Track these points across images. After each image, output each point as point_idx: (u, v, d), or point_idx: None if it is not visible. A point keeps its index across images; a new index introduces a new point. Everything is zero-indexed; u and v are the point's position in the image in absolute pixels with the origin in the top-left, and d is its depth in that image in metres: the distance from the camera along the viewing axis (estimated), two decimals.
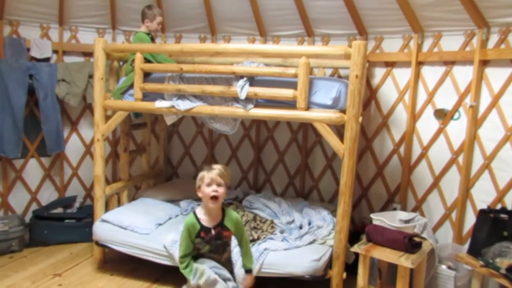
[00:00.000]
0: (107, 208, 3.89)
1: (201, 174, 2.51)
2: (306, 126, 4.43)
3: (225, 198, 2.58)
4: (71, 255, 4.07)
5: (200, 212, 2.53)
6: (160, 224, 3.69)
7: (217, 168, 2.52)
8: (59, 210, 4.42)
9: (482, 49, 3.35)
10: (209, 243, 2.52)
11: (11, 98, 4.06)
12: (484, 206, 3.23)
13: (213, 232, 2.54)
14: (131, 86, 3.62)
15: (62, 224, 4.30)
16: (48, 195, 4.60)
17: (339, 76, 4.23)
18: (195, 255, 2.59)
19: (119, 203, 4.12)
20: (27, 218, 4.39)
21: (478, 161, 3.46)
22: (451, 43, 3.59)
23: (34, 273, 3.67)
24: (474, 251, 2.99)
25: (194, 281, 2.44)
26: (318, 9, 4.03)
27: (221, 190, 2.49)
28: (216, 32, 4.61)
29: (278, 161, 4.67)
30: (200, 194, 2.52)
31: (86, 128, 4.68)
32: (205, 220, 2.47)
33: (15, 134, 4.12)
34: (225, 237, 2.61)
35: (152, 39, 3.92)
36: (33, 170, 4.50)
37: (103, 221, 3.67)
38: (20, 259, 3.96)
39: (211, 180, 2.46)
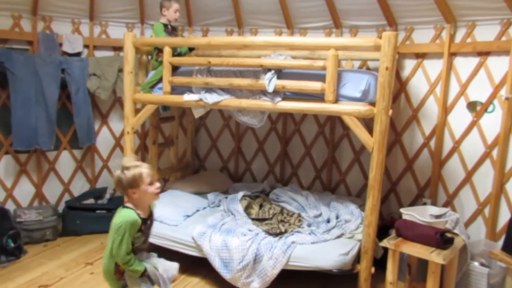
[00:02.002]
0: None
1: (135, 172, 2.25)
2: (333, 119, 4.39)
3: None
4: (102, 244, 4.18)
5: (134, 207, 2.31)
6: (188, 216, 3.75)
7: (140, 162, 2.36)
8: (91, 200, 4.54)
9: None
10: (144, 234, 2.40)
11: (45, 92, 4.18)
12: None
13: (148, 222, 2.42)
14: (160, 80, 3.67)
15: (94, 215, 4.42)
16: (80, 186, 4.74)
17: (368, 68, 4.16)
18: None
19: None
20: (60, 208, 4.53)
21: None
22: (486, 33, 3.47)
23: (67, 262, 3.80)
24: (509, 248, 2.90)
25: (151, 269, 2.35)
26: (346, 0, 3.97)
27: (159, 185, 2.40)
28: (243, 25, 4.60)
29: (305, 155, 4.65)
30: (135, 195, 2.27)
31: (116, 121, 4.78)
32: (142, 214, 2.32)
33: (49, 127, 4.25)
34: (151, 224, 2.49)
35: (174, 29, 3.95)
36: (65, 162, 4.64)
37: None
38: (54, 247, 4.10)
39: (152, 178, 2.31)
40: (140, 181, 2.25)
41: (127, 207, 2.29)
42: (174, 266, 2.51)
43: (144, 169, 2.28)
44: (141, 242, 2.38)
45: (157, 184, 2.34)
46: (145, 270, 2.32)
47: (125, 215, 2.24)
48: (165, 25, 3.86)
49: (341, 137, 4.44)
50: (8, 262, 3.70)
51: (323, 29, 4.33)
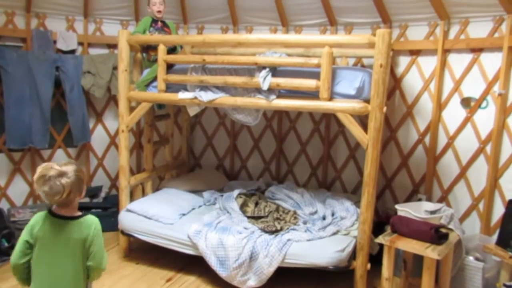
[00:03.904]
0: (131, 198, 3.96)
1: (77, 175, 1.96)
2: (329, 117, 4.40)
3: None
4: None
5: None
6: (183, 214, 3.74)
7: (65, 162, 2.04)
8: (86, 199, 4.52)
9: None
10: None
11: (38, 90, 4.16)
12: None
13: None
14: (154, 78, 3.66)
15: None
16: None
17: (363, 66, 4.17)
18: None
19: (144, 193, 4.18)
20: None
21: (506, 150, 3.38)
22: (479, 29, 3.49)
23: None
24: (503, 242, 2.93)
25: None
26: None
27: None
28: (238, 22, 4.60)
29: (300, 152, 4.66)
30: (80, 196, 2.03)
31: (111, 120, 4.76)
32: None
33: (43, 125, 4.22)
34: None
35: (166, 25, 3.94)
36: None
37: (128, 211, 3.74)
38: None
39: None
40: (84, 181, 2.03)
41: (82, 215, 2.03)
42: None
43: (76, 167, 1.99)
44: None
45: None
46: None
47: (94, 220, 2.05)
48: (154, 20, 3.85)
49: (336, 134, 4.45)
50: (2, 262, 3.68)
51: (318, 27, 4.33)
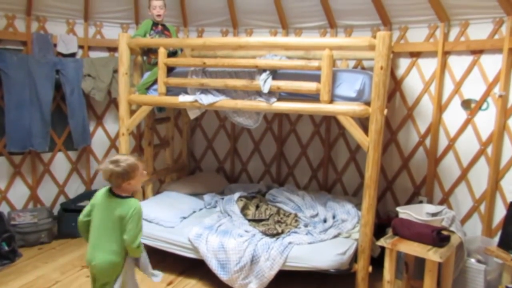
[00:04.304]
0: None
1: (132, 163, 2.37)
2: (329, 119, 4.39)
3: None
4: None
5: (134, 196, 2.50)
6: (184, 218, 3.73)
7: (126, 154, 2.61)
8: (86, 202, 4.46)
9: None
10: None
11: (39, 93, 4.16)
12: None
13: None
14: (155, 81, 3.66)
15: None
16: (75, 188, 4.71)
17: (363, 68, 4.17)
18: None
19: (144, 197, 4.18)
20: (55, 211, 4.50)
21: (507, 152, 3.37)
22: (479, 31, 3.49)
23: (63, 264, 3.78)
24: (505, 244, 2.92)
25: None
26: (341, 0, 3.98)
27: None
28: (238, 25, 4.60)
29: (301, 154, 4.65)
30: (129, 185, 2.38)
31: (111, 123, 4.76)
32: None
33: (43, 128, 4.22)
34: None
35: (166, 28, 3.94)
36: (60, 163, 4.61)
37: None
38: (49, 250, 4.07)
39: (143, 168, 2.48)
40: (137, 169, 2.39)
41: (128, 197, 2.41)
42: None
43: (135, 159, 2.41)
44: None
45: (145, 172, 2.53)
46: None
47: (138, 205, 2.38)
48: (154, 24, 3.85)
49: (337, 137, 4.45)
50: (3, 266, 3.67)
51: (318, 29, 4.34)
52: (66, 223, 4.33)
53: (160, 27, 3.89)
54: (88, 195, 4.60)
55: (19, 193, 4.37)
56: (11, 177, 4.32)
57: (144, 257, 2.55)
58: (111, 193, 2.41)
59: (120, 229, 2.34)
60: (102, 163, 2.40)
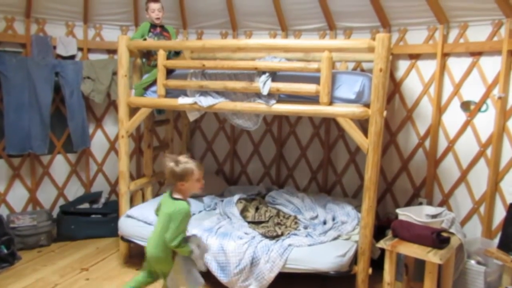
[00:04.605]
0: (131, 203, 3.94)
1: (187, 167, 2.57)
2: (329, 121, 4.39)
3: None
4: (98, 249, 4.15)
5: (184, 198, 2.64)
6: None
7: (191, 160, 2.66)
8: (85, 205, 4.51)
9: (511, 39, 3.26)
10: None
11: (38, 95, 4.15)
12: None
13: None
14: (154, 82, 3.66)
15: (89, 219, 4.39)
16: (74, 190, 4.71)
17: (362, 70, 4.18)
18: None
19: (144, 199, 4.18)
20: (55, 213, 4.49)
21: (507, 153, 3.38)
22: (478, 33, 3.50)
23: (62, 267, 3.77)
24: (505, 246, 2.92)
25: (197, 250, 2.65)
26: (340, 2, 3.99)
27: None
28: (237, 27, 4.60)
29: (301, 156, 4.65)
30: (183, 186, 2.59)
31: (111, 125, 4.76)
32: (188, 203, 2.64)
33: (42, 131, 4.22)
34: None
35: (165, 30, 3.94)
36: (59, 166, 4.61)
37: (128, 216, 3.72)
38: (49, 253, 4.07)
39: (200, 175, 2.63)
40: (191, 176, 2.57)
41: (179, 199, 2.59)
42: (203, 242, 2.90)
43: (194, 166, 2.59)
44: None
45: (202, 181, 2.68)
46: (191, 251, 2.61)
47: (182, 206, 2.55)
48: (152, 26, 3.86)
49: (336, 138, 4.45)
50: (1, 268, 3.66)
51: (317, 31, 4.34)
52: (65, 225, 4.32)
53: (158, 29, 3.89)
54: (87, 197, 4.61)
55: (18, 195, 4.36)
56: (10, 179, 4.31)
57: (196, 252, 2.63)
58: (170, 193, 2.65)
59: (166, 227, 2.52)
60: (168, 159, 2.59)
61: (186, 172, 2.55)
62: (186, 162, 2.58)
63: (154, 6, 3.81)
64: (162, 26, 3.92)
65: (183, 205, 2.56)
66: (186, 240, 2.62)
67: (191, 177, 2.58)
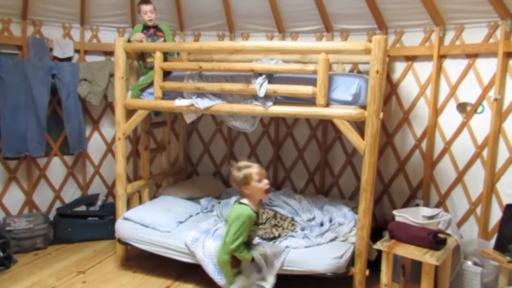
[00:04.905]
0: (128, 206, 3.94)
1: (245, 172, 2.61)
2: (325, 122, 4.40)
3: None
4: (94, 252, 4.14)
5: (248, 203, 2.64)
6: (181, 222, 3.72)
7: (252, 163, 2.68)
8: (82, 208, 4.49)
9: (506, 41, 3.28)
10: (258, 228, 2.74)
11: (34, 97, 4.14)
12: (511, 201, 3.16)
13: (258, 217, 2.75)
14: (150, 84, 3.66)
15: (85, 222, 4.37)
16: (71, 193, 4.69)
17: (359, 72, 4.18)
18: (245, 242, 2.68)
19: (141, 201, 4.17)
20: (51, 216, 4.48)
21: (503, 155, 3.39)
22: (474, 35, 3.52)
23: (58, 270, 3.75)
24: (501, 247, 2.93)
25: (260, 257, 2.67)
26: (336, 4, 4.00)
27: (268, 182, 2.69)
28: (234, 29, 4.61)
29: (298, 158, 4.65)
30: (247, 191, 2.62)
31: (108, 127, 4.75)
32: (254, 208, 2.64)
33: (39, 133, 4.20)
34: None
35: (159, 30, 3.92)
36: (56, 168, 4.59)
37: (125, 219, 3.72)
38: (45, 256, 4.05)
39: (260, 176, 2.62)
40: (250, 179, 2.59)
41: (243, 203, 2.62)
42: (278, 249, 2.94)
43: (253, 169, 2.61)
44: (255, 235, 2.77)
45: (265, 181, 2.63)
46: (253, 258, 2.63)
47: (243, 210, 2.57)
48: (145, 27, 3.85)
49: (333, 140, 4.46)
50: None
51: (314, 33, 4.35)
52: (62, 228, 4.31)
53: (152, 29, 3.87)
54: (84, 200, 4.60)
55: (14, 198, 4.34)
56: (6, 182, 4.29)
57: (259, 260, 2.66)
58: (238, 199, 2.71)
59: (228, 231, 2.59)
60: (232, 167, 2.67)
61: (246, 176, 2.60)
62: (245, 167, 2.62)
63: (145, 8, 3.81)
64: (156, 26, 3.91)
65: (245, 209, 2.59)
66: (248, 245, 2.66)
67: (251, 181, 2.60)
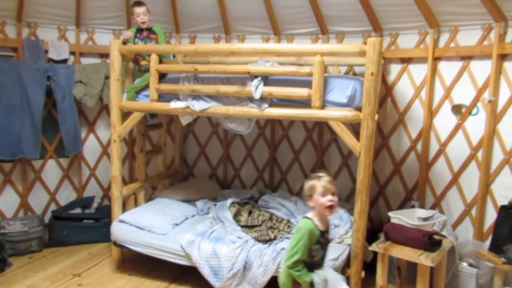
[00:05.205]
0: (124, 208, 3.93)
1: (310, 183, 2.39)
2: (321, 124, 4.41)
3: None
4: (90, 255, 4.12)
5: (313, 217, 2.40)
6: (176, 224, 3.71)
7: (325, 176, 2.41)
8: (78, 210, 4.48)
9: (500, 43, 3.30)
10: (323, 249, 2.44)
11: (29, 100, 4.13)
12: (505, 202, 3.18)
13: (327, 235, 2.47)
14: (146, 87, 3.65)
15: (81, 224, 4.36)
16: (66, 195, 4.67)
17: (354, 74, 4.20)
18: (306, 262, 2.38)
19: (136, 203, 4.16)
20: (46, 219, 4.46)
21: (497, 156, 3.40)
22: (468, 37, 3.53)
23: (53, 273, 3.73)
24: (496, 248, 2.94)
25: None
26: (332, 7, 4.01)
27: (336, 198, 2.37)
28: (230, 31, 4.61)
29: (294, 160, 4.66)
30: (311, 203, 2.40)
31: (103, 129, 4.74)
32: (320, 226, 2.38)
33: (34, 135, 4.19)
34: (329, 241, 2.54)
35: (152, 32, 3.91)
36: (51, 170, 4.57)
37: (121, 221, 3.71)
38: (40, 259, 4.02)
39: (324, 189, 2.34)
40: (313, 191, 2.36)
41: (306, 217, 2.40)
42: (342, 279, 2.56)
43: (319, 181, 2.35)
44: (319, 256, 2.42)
45: (329, 197, 2.33)
46: (312, 283, 2.31)
47: (303, 224, 2.35)
48: (139, 30, 3.86)
49: (329, 142, 4.46)
50: None
51: (309, 35, 4.36)
52: (57, 231, 4.29)
53: (145, 32, 3.87)
54: (79, 202, 4.58)
55: (9, 201, 4.32)
56: (1, 185, 4.27)
57: (319, 286, 2.33)
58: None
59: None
60: (309, 176, 2.47)
61: (310, 188, 2.38)
62: (314, 177, 2.39)
63: (138, 10, 3.81)
64: (149, 29, 3.91)
65: (307, 223, 2.35)
66: (311, 267, 2.36)
67: (314, 193, 2.36)
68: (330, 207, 2.33)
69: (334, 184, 2.38)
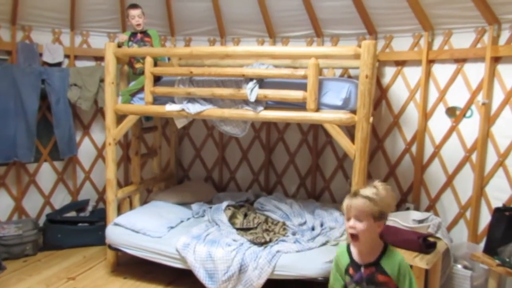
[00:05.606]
0: (119, 211, 3.91)
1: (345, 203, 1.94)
2: (317, 127, 4.41)
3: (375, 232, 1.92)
4: (85, 258, 4.10)
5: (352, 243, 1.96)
6: (172, 227, 3.70)
7: (362, 194, 1.89)
8: (72, 213, 4.46)
9: (494, 46, 3.31)
10: (359, 285, 1.93)
11: (24, 103, 4.11)
12: (499, 204, 3.19)
13: (363, 271, 1.91)
14: (141, 89, 3.65)
15: (75, 228, 4.34)
16: (61, 198, 4.65)
17: (349, 76, 4.21)
18: None
19: (131, 207, 4.15)
20: (41, 222, 4.43)
21: (492, 158, 3.41)
22: (462, 40, 3.55)
23: (48, 277, 3.71)
24: (490, 250, 2.95)
25: None
26: (326, 10, 4.03)
27: (361, 225, 1.84)
28: (225, 34, 4.62)
29: (289, 163, 4.66)
30: None
31: (98, 132, 4.72)
32: (356, 256, 1.93)
33: (28, 139, 4.17)
34: (381, 284, 1.89)
35: (147, 35, 3.90)
36: (46, 174, 4.55)
37: (116, 224, 3.69)
38: (34, 262, 4.00)
39: (348, 212, 1.88)
40: (344, 212, 1.91)
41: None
42: None
43: (346, 200, 1.91)
44: None
45: (351, 222, 1.86)
46: None
47: (338, 249, 2.05)
48: (133, 33, 3.86)
49: (324, 145, 4.47)
50: None
51: (304, 38, 4.37)
52: (52, 234, 4.27)
53: (139, 35, 3.87)
54: (74, 205, 4.56)
55: (3, 204, 4.30)
56: None
57: None
58: None
59: None
60: None
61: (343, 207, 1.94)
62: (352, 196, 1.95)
63: (133, 12, 3.81)
64: (144, 32, 3.90)
65: (339, 248, 2.03)
66: None
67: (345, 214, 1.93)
68: (351, 236, 1.86)
69: (358, 206, 1.85)
